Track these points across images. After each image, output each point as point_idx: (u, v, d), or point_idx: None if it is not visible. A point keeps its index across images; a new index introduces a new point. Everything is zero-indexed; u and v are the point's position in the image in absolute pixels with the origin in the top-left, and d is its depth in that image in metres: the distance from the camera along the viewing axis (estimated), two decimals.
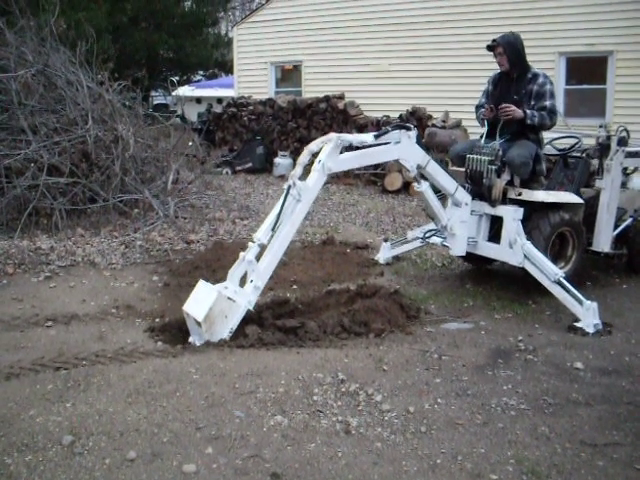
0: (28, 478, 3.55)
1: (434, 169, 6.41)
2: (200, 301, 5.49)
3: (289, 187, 5.67)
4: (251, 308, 5.60)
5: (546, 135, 7.21)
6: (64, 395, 4.50)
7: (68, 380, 4.73)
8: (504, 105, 6.64)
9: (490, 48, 6.92)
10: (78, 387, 4.63)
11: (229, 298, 5.46)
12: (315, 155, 5.84)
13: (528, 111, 6.64)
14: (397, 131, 6.17)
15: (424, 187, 6.47)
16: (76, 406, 4.35)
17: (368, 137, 6.11)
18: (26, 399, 4.44)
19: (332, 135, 5.83)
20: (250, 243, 5.71)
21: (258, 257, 5.67)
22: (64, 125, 10.06)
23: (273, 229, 5.68)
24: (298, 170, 5.71)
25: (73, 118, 10.13)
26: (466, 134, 13.80)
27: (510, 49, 6.80)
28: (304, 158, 5.77)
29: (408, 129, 6.23)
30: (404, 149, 6.19)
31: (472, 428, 4.21)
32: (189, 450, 3.85)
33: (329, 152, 5.77)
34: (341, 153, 5.93)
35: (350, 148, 6.15)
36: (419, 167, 6.30)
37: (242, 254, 5.66)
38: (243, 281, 5.65)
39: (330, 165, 5.79)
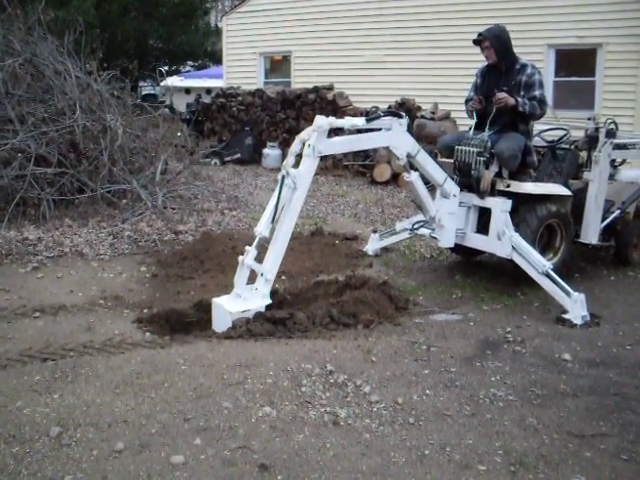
0: (15, 470, 3.54)
1: (424, 159, 6.41)
2: (222, 322, 5.58)
3: (283, 177, 5.67)
4: (268, 301, 5.70)
5: (535, 127, 7.22)
6: (52, 386, 4.48)
7: (56, 371, 4.71)
8: (498, 95, 6.64)
9: (477, 42, 6.91)
10: (66, 378, 4.61)
11: (243, 311, 5.55)
12: None
13: (520, 99, 6.64)
14: (388, 118, 6.18)
15: (414, 177, 6.46)
16: (64, 397, 4.33)
17: (359, 121, 6.10)
18: (13, 390, 4.42)
19: (322, 120, 5.78)
20: (247, 247, 5.75)
21: (259, 248, 5.75)
22: (52, 115, 9.98)
23: (273, 221, 5.70)
24: (290, 159, 5.71)
25: (61, 108, 10.06)
26: (455, 126, 13.78)
27: (497, 42, 6.79)
28: (295, 147, 5.76)
29: (400, 116, 6.23)
30: (395, 136, 6.19)
31: (460, 419, 4.22)
32: (177, 441, 3.84)
33: (318, 135, 5.76)
34: (331, 137, 5.93)
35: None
36: (409, 156, 6.29)
37: (240, 258, 5.69)
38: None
39: (320, 148, 5.77)
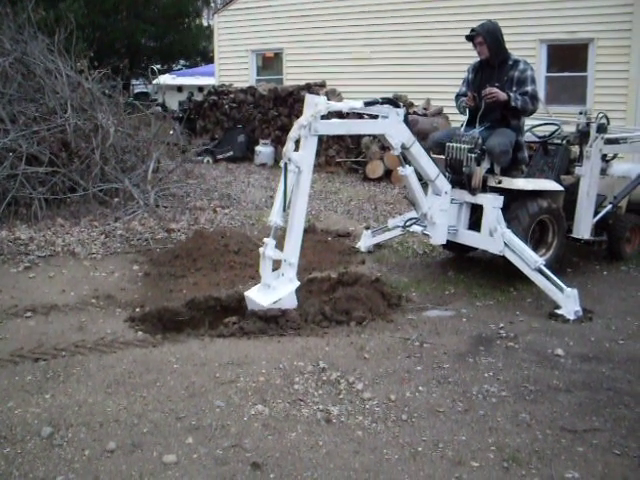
0: (6, 470, 3.52)
1: (418, 152, 6.37)
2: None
3: (285, 164, 5.63)
4: (297, 283, 5.80)
5: (526, 122, 7.21)
6: (43, 386, 4.47)
7: (47, 371, 4.69)
8: (488, 89, 6.63)
9: (469, 38, 6.90)
10: (57, 378, 4.59)
11: (275, 302, 5.60)
12: None
13: (512, 94, 6.62)
14: (386, 105, 6.17)
15: (408, 171, 6.43)
16: (55, 397, 4.32)
17: (357, 104, 6.08)
18: (4, 391, 4.40)
19: (320, 103, 5.68)
20: (265, 239, 5.72)
21: (276, 238, 5.76)
22: (43, 114, 9.97)
23: (285, 209, 5.70)
24: (290, 145, 5.62)
25: (52, 107, 10.03)
26: (448, 122, 13.79)
27: (490, 38, 6.78)
28: (294, 133, 5.67)
29: (397, 106, 6.22)
30: (391, 125, 6.16)
31: (453, 416, 4.21)
32: (169, 440, 3.82)
33: (314, 117, 5.72)
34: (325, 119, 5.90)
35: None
36: (403, 147, 6.25)
37: (261, 250, 5.69)
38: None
39: (317, 126, 5.69)
